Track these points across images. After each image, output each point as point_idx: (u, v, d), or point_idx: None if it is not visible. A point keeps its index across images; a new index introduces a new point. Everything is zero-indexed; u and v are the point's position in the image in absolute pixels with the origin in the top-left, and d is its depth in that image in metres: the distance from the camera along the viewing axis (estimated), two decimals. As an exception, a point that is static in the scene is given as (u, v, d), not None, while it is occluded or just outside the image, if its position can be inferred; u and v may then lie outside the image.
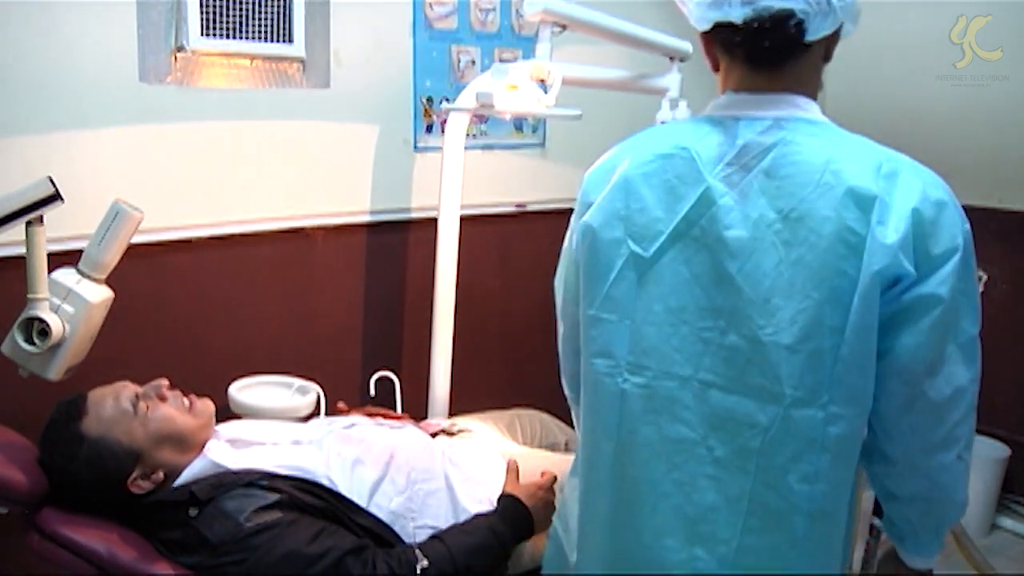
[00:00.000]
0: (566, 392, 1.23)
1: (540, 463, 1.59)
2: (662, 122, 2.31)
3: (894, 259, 0.90)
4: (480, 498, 1.49)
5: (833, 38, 1.02)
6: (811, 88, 1.04)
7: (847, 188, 0.92)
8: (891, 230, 0.90)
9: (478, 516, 1.44)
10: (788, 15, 0.95)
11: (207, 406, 1.46)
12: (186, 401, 1.43)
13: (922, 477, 1.01)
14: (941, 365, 0.94)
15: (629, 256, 1.03)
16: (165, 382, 1.42)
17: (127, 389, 1.39)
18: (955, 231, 0.93)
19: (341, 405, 1.73)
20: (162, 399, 1.40)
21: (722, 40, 1.03)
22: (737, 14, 0.97)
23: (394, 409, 1.81)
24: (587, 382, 1.09)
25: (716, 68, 1.08)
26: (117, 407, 1.35)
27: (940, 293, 0.92)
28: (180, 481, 1.36)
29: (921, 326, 0.93)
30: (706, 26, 1.03)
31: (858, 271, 0.91)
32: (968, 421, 0.99)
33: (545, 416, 1.99)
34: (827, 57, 1.05)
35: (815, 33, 0.97)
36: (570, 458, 1.76)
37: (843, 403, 0.94)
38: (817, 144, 0.97)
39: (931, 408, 0.96)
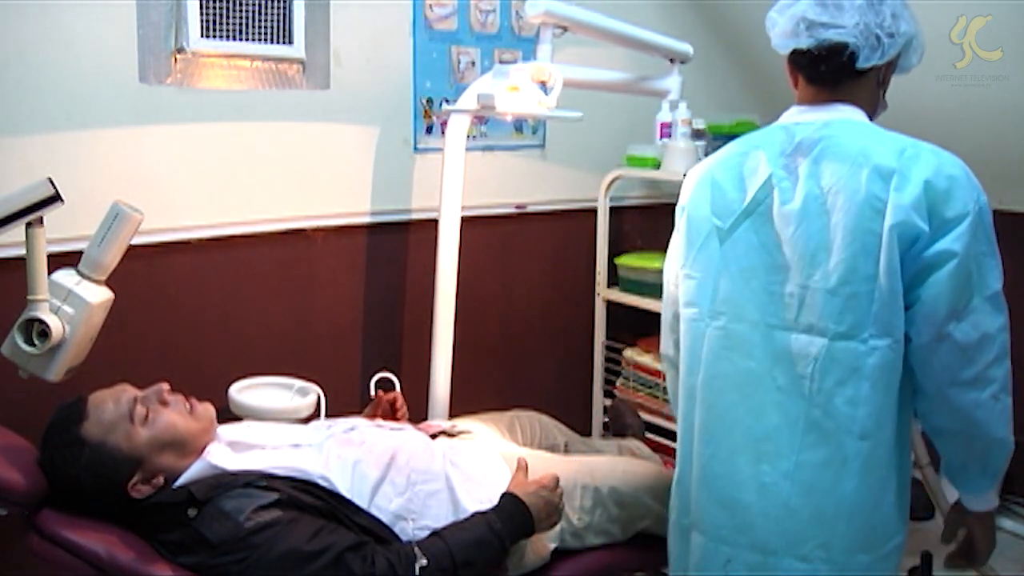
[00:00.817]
0: (667, 356, 1.49)
1: (540, 464, 1.59)
2: (662, 123, 2.31)
3: (908, 217, 1.14)
4: (481, 498, 1.49)
5: (888, 68, 1.29)
6: (866, 106, 1.30)
7: (873, 166, 1.17)
8: (906, 195, 1.15)
9: (476, 514, 1.44)
10: (843, 47, 1.23)
11: (208, 410, 1.45)
12: (187, 405, 1.43)
13: (956, 411, 1.20)
14: (967, 313, 1.15)
15: (712, 229, 1.31)
16: (166, 386, 1.42)
17: (127, 393, 1.38)
18: (967, 200, 1.15)
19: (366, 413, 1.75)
20: (164, 404, 1.40)
21: (794, 63, 1.31)
22: (804, 43, 1.25)
23: (394, 413, 1.81)
24: (681, 332, 1.37)
25: (795, 85, 1.34)
26: (117, 411, 1.35)
27: (954, 248, 1.14)
28: (179, 483, 1.36)
29: (939, 276, 1.14)
30: (784, 51, 1.31)
31: (883, 229, 1.15)
32: (1001, 365, 1.17)
33: (544, 417, 1.99)
34: (882, 83, 1.31)
35: (865, 63, 1.24)
36: (571, 460, 1.76)
37: (879, 337, 1.18)
38: (855, 137, 1.22)
39: (958, 349, 1.16)
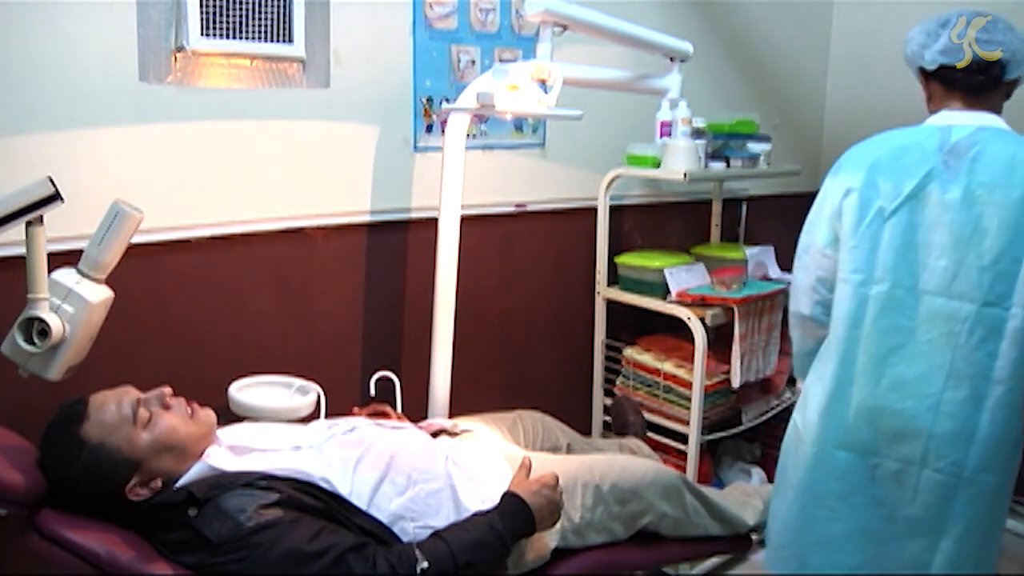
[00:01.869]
0: (816, 320, 1.74)
1: (540, 464, 1.59)
2: (662, 122, 2.31)
3: None
4: (483, 498, 1.49)
5: (1015, 82, 1.60)
6: (998, 111, 1.61)
7: None
8: None
9: (477, 514, 1.44)
10: (996, 61, 1.54)
11: (209, 416, 1.45)
12: (188, 410, 1.43)
13: None
14: None
15: (878, 209, 1.59)
16: (168, 390, 1.42)
17: (129, 395, 1.38)
18: None
19: (356, 410, 1.74)
20: (166, 408, 1.40)
21: (944, 76, 1.60)
22: (962, 60, 1.56)
23: (395, 409, 1.80)
24: (843, 294, 1.64)
25: (931, 96, 1.66)
26: (119, 413, 1.34)
27: None
28: (179, 485, 1.36)
29: None
30: (933, 67, 1.61)
31: None
32: None
33: (547, 418, 1.99)
34: (1008, 95, 1.62)
35: (1010, 75, 1.56)
36: (571, 459, 1.76)
37: (1019, 307, 1.51)
38: (1005, 143, 1.53)
39: None
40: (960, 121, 1.58)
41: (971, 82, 1.57)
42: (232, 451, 1.43)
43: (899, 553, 1.64)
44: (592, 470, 1.64)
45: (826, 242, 1.69)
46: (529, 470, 1.53)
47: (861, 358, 1.63)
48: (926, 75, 1.65)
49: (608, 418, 2.46)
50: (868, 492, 1.66)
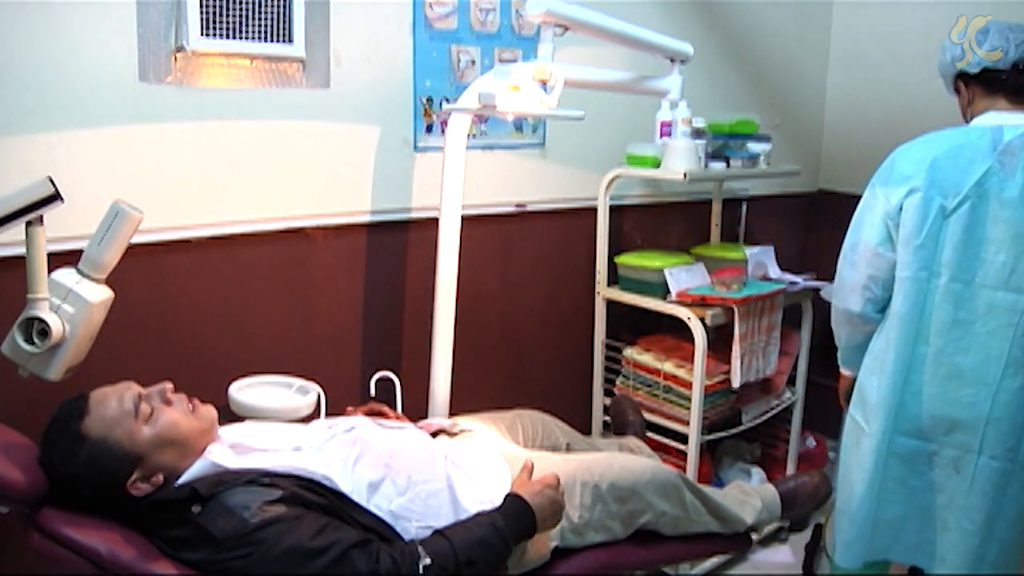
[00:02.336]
0: (866, 318, 1.81)
1: (539, 464, 1.59)
2: (662, 122, 2.31)
3: None
4: (482, 499, 1.49)
5: None
6: None
7: None
8: None
9: (480, 513, 1.44)
10: None
11: (210, 412, 1.46)
12: (190, 405, 1.43)
13: None
14: None
15: (939, 207, 1.67)
16: (170, 385, 1.42)
17: (131, 390, 1.38)
18: None
19: (349, 409, 1.74)
20: (167, 403, 1.40)
21: (987, 78, 1.71)
22: (1008, 62, 1.68)
23: (394, 409, 1.80)
24: (905, 289, 1.72)
25: (967, 98, 1.77)
26: (120, 408, 1.35)
27: None
28: (181, 481, 1.36)
29: None
30: (977, 70, 1.71)
31: None
32: None
33: (547, 417, 1.99)
34: None
35: None
36: (570, 458, 1.76)
37: None
38: None
39: None
40: (1010, 121, 1.67)
41: (1019, 82, 1.68)
42: (233, 450, 1.43)
43: (959, 541, 1.75)
44: (591, 469, 1.64)
45: (879, 240, 1.74)
46: (531, 471, 1.53)
47: (921, 350, 1.72)
48: (966, 80, 1.75)
49: (608, 418, 2.46)
50: (926, 477, 1.76)
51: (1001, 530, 1.72)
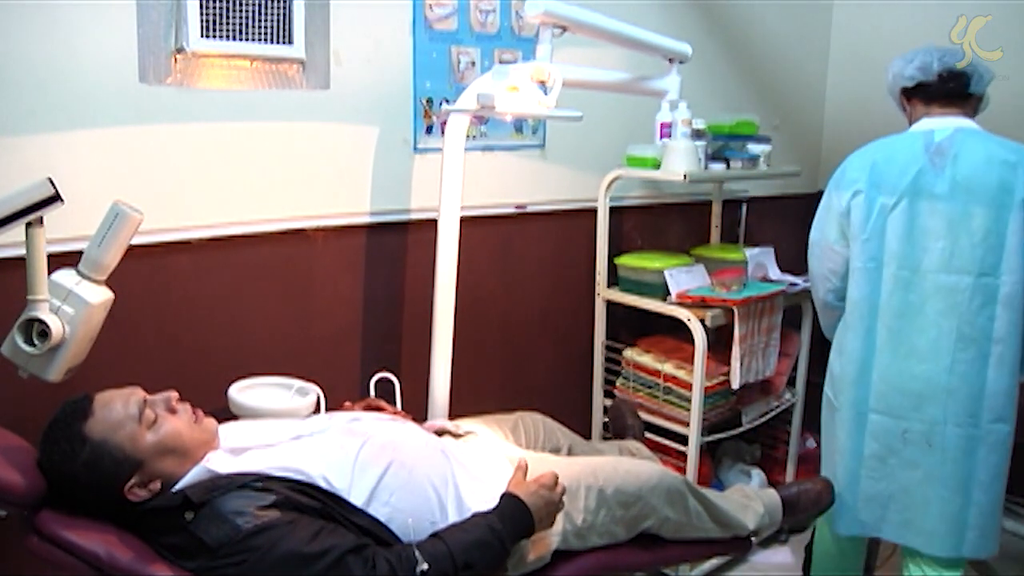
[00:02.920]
0: (830, 305, 2.09)
1: (542, 466, 1.58)
2: (662, 123, 2.31)
3: None
4: (485, 499, 1.48)
5: (982, 98, 1.96)
6: (971, 117, 1.94)
7: (1000, 160, 1.83)
8: None
9: (476, 514, 1.43)
10: (961, 73, 1.90)
11: (212, 423, 1.46)
12: (193, 416, 1.43)
13: None
14: None
15: (881, 205, 1.91)
16: (175, 394, 1.42)
17: (136, 395, 1.38)
18: None
19: (347, 404, 1.73)
20: (171, 412, 1.40)
21: (922, 89, 1.95)
22: (934, 72, 1.92)
23: (393, 407, 1.80)
24: (857, 278, 1.96)
25: (909, 111, 2.01)
26: (125, 412, 1.34)
27: None
28: (176, 488, 1.36)
29: None
30: (911, 84, 1.95)
31: (1011, 201, 1.81)
32: None
33: (548, 420, 1.99)
34: (976, 111, 1.96)
35: (973, 89, 1.92)
36: (574, 461, 1.76)
37: (1007, 274, 1.82)
38: (979, 141, 1.86)
39: None
40: (940, 125, 1.91)
41: (944, 88, 1.92)
42: (231, 453, 1.42)
43: (940, 511, 1.91)
44: (596, 473, 1.63)
45: (835, 238, 2.00)
46: (526, 471, 1.53)
47: (881, 332, 1.93)
48: (908, 95, 1.99)
49: (607, 419, 2.45)
50: (903, 455, 1.94)
51: (977, 494, 1.89)
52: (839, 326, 2.06)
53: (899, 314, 1.90)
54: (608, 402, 2.61)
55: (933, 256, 1.85)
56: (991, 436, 1.87)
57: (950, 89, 1.91)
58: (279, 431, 1.50)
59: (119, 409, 1.35)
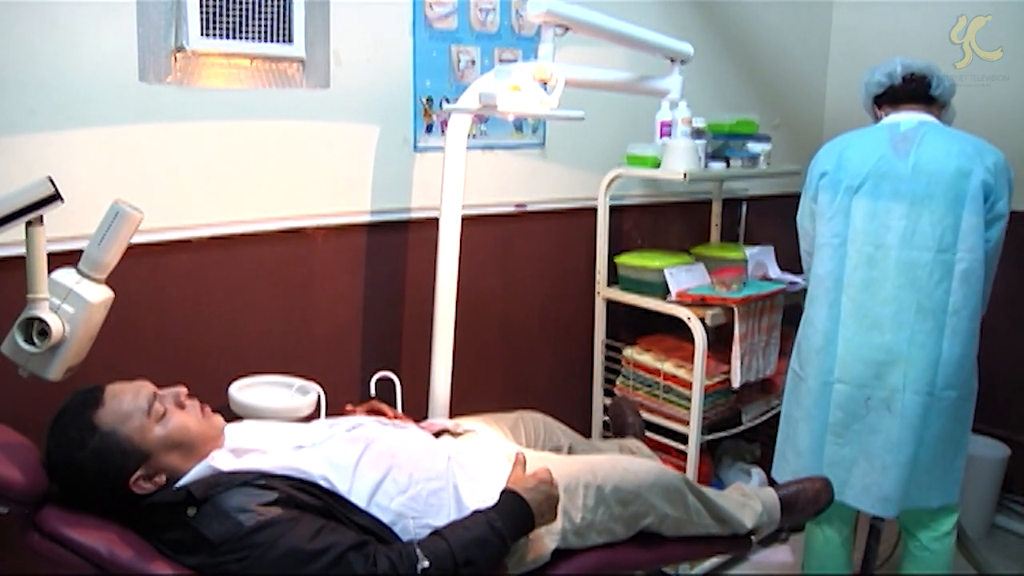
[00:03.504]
0: (814, 274, 2.17)
1: (543, 463, 1.58)
2: (662, 122, 2.31)
3: (986, 178, 1.94)
4: (485, 498, 1.48)
5: (946, 105, 2.10)
6: (938, 118, 2.08)
7: (958, 149, 1.97)
8: (986, 166, 1.95)
9: (476, 512, 1.43)
10: (923, 75, 2.05)
11: (220, 421, 1.47)
12: (201, 412, 1.43)
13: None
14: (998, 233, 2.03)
15: (846, 186, 2.05)
16: (184, 390, 1.43)
17: (146, 388, 1.39)
18: (1010, 176, 2.00)
19: (349, 407, 1.74)
20: (180, 406, 1.41)
21: (889, 93, 2.10)
22: (898, 75, 2.07)
23: (394, 408, 1.80)
24: (823, 253, 2.10)
25: (875, 115, 2.16)
26: (135, 404, 1.35)
27: (1004, 211, 1.99)
28: (179, 484, 1.36)
29: (999, 226, 2.01)
30: (880, 90, 2.10)
31: (968, 185, 1.94)
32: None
33: (549, 419, 1.99)
34: (940, 116, 2.09)
35: (934, 91, 2.05)
36: (573, 459, 1.76)
37: (964, 251, 1.96)
38: (941, 133, 2.01)
39: (996, 246, 2.04)
40: (905, 119, 2.06)
41: (908, 88, 2.06)
42: (234, 453, 1.43)
43: (896, 476, 2.02)
44: (594, 471, 1.63)
45: (809, 221, 2.18)
46: (524, 466, 1.53)
47: (847, 306, 2.05)
48: (879, 102, 2.13)
49: (607, 418, 2.46)
50: (866, 421, 2.05)
51: (925, 456, 2.02)
52: (805, 301, 2.18)
53: (863, 288, 2.02)
54: (608, 401, 2.61)
55: (896, 234, 1.98)
56: (942, 403, 1.99)
57: (913, 89, 2.06)
58: (282, 438, 1.50)
59: (129, 401, 1.35)
